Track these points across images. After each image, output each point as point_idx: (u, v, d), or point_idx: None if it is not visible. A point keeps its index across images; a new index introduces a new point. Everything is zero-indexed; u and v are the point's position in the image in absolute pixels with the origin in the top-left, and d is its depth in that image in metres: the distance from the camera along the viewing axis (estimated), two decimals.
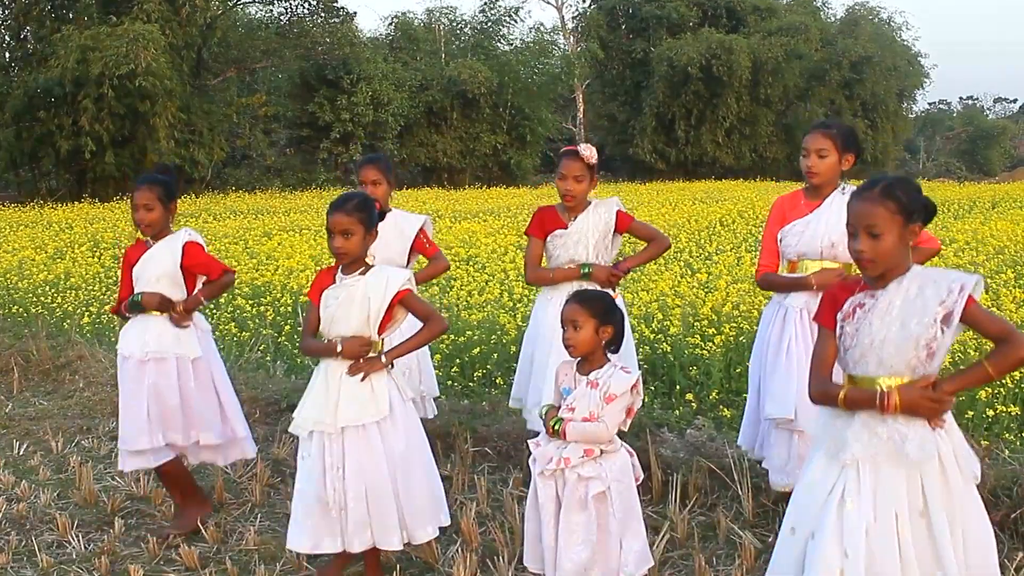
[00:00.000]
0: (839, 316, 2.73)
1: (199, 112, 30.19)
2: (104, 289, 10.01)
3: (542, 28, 42.34)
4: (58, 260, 12.18)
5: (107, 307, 9.06)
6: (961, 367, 5.45)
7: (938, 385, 2.61)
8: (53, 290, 10.00)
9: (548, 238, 4.52)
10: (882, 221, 2.59)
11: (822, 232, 3.96)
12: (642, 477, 3.30)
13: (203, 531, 4.30)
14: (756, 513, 4.29)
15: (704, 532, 4.18)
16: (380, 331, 3.56)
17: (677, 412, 5.59)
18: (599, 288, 4.41)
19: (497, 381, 6.51)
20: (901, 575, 2.56)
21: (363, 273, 3.54)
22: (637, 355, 4.98)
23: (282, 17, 34.37)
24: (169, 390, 4.21)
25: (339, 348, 3.50)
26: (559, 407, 3.26)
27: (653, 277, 9.00)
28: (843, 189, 4.02)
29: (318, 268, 6.80)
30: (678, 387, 6.14)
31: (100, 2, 28.05)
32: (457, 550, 4.01)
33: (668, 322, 6.89)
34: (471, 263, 10.94)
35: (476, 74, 37.01)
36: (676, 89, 42.05)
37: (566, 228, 4.48)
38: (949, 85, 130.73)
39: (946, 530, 2.60)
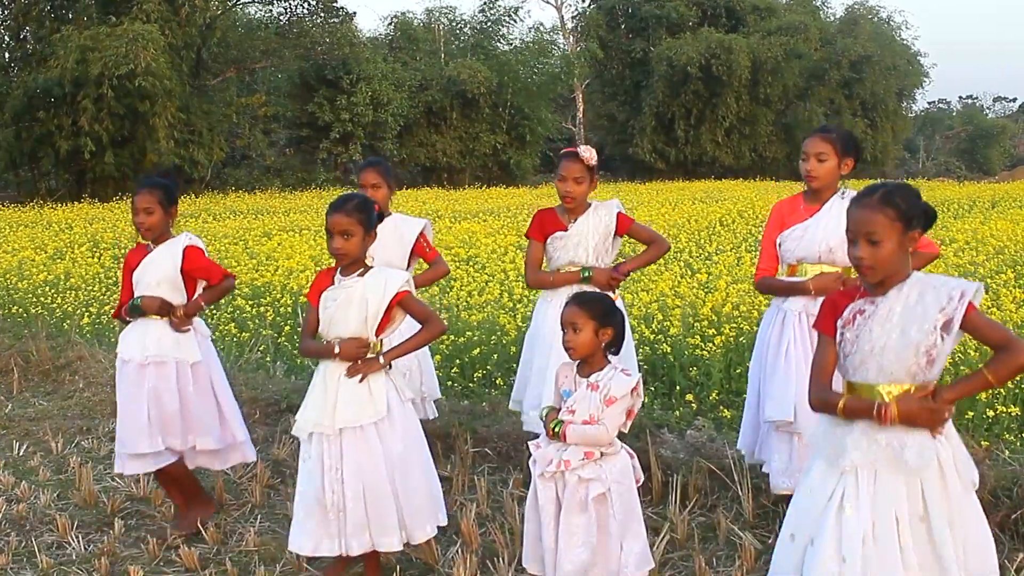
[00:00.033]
0: (839, 323, 2.73)
1: (199, 112, 30.19)
2: (104, 289, 10.01)
3: (541, 28, 42.43)
4: (58, 260, 12.18)
5: (107, 307, 9.07)
6: (962, 367, 5.47)
7: (938, 393, 2.61)
8: (53, 290, 10.00)
9: (548, 240, 4.52)
10: (881, 228, 2.60)
11: (820, 237, 3.97)
12: (642, 479, 3.30)
13: (203, 532, 4.30)
14: (756, 514, 4.29)
15: (704, 533, 4.18)
16: (379, 332, 3.56)
17: (677, 413, 5.59)
18: (599, 290, 4.43)
19: (497, 382, 6.51)
20: None
21: (362, 274, 3.54)
22: (637, 356, 4.98)
23: (281, 17, 34.38)
24: (168, 394, 4.21)
25: (337, 349, 3.51)
26: (559, 409, 3.26)
27: (653, 278, 9.00)
28: (843, 194, 4.03)
29: (318, 269, 6.80)
30: (678, 388, 6.14)
31: (99, 2, 28.06)
32: (457, 551, 4.01)
33: (668, 323, 6.89)
34: (471, 263, 10.93)
35: (476, 74, 37.01)
36: (676, 89, 42.05)
37: (566, 230, 4.48)
38: (949, 84, 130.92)
39: (947, 534, 2.60)
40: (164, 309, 4.21)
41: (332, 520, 3.50)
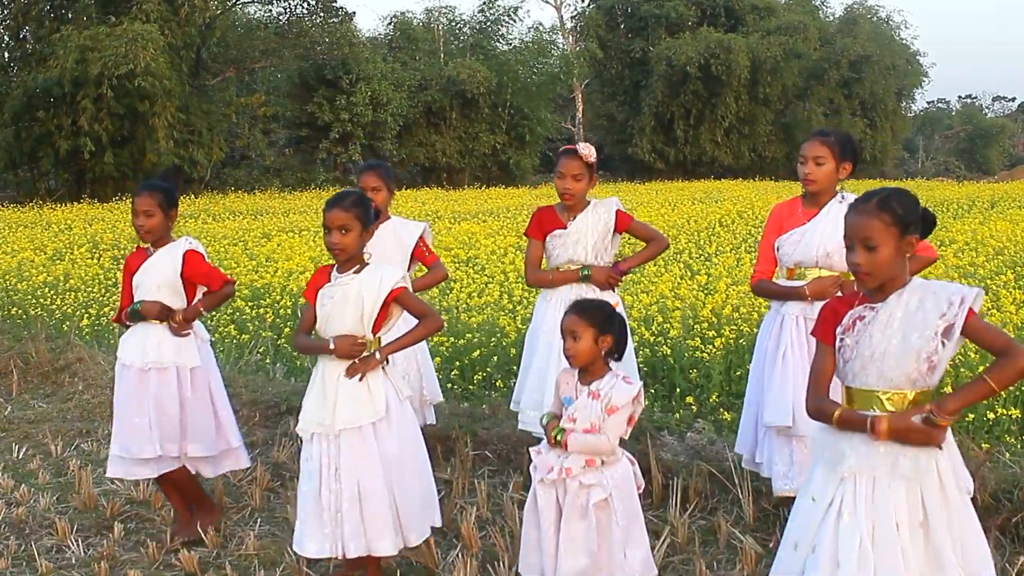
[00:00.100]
0: (839, 329, 2.73)
1: (198, 112, 30.18)
2: (103, 291, 10.00)
3: (541, 28, 42.42)
4: (57, 261, 12.17)
5: (106, 309, 9.07)
6: (962, 370, 5.47)
7: (942, 403, 2.61)
8: (52, 292, 9.99)
9: (547, 238, 4.52)
10: (878, 233, 2.60)
11: (818, 242, 3.97)
12: (643, 486, 3.29)
13: (203, 536, 4.29)
14: (757, 517, 4.29)
15: (705, 536, 4.17)
16: (376, 330, 3.55)
17: (677, 415, 5.58)
18: (598, 288, 4.42)
19: (497, 384, 6.50)
20: None
21: (358, 271, 3.54)
22: (637, 358, 4.97)
23: (281, 17, 34.34)
24: (170, 400, 4.20)
25: (332, 345, 3.51)
26: (560, 416, 3.25)
27: (653, 279, 9.00)
28: (841, 197, 4.02)
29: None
30: (678, 390, 6.14)
31: (99, 2, 28.03)
32: (457, 555, 4.01)
33: (668, 325, 6.88)
34: (470, 265, 10.92)
35: (475, 74, 37.00)
36: (675, 88, 42.05)
37: (565, 228, 4.48)
38: (948, 84, 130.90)
39: (947, 539, 2.60)
40: (164, 314, 4.20)
41: (328, 520, 3.50)
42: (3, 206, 24.83)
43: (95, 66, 25.12)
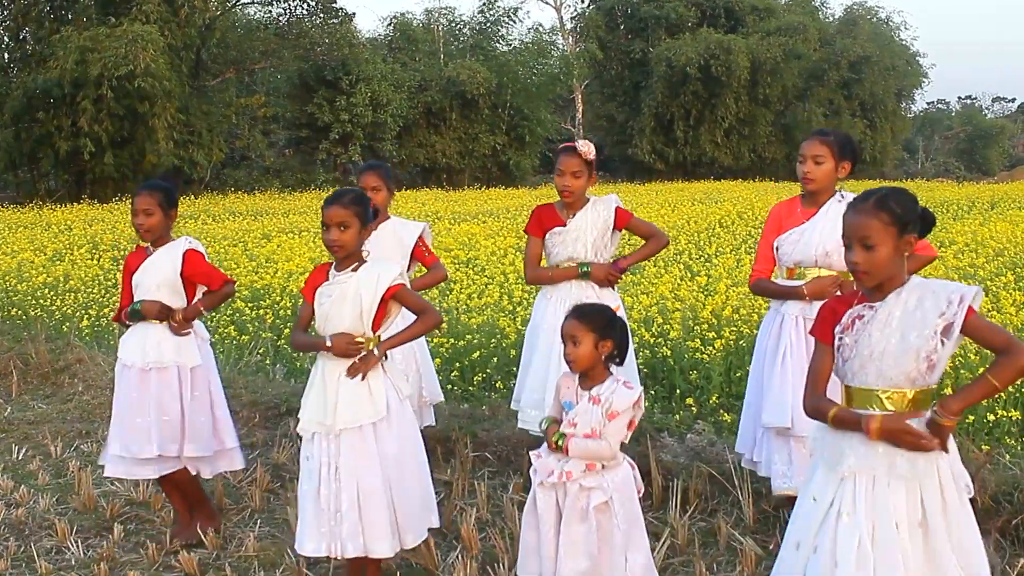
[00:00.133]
0: (838, 329, 2.73)
1: (198, 113, 30.18)
2: (103, 292, 10.00)
3: (541, 28, 42.44)
4: (57, 262, 12.17)
5: (106, 310, 9.06)
6: (962, 371, 5.46)
7: (945, 403, 2.60)
8: (52, 293, 9.98)
9: (547, 236, 4.52)
10: (875, 233, 2.60)
11: (816, 241, 3.97)
12: (643, 490, 3.28)
13: (203, 537, 4.29)
14: (757, 519, 4.29)
15: (705, 538, 4.17)
16: (375, 327, 3.55)
17: (677, 417, 5.58)
18: (597, 285, 4.42)
19: (497, 385, 6.50)
20: None
21: (355, 269, 3.54)
22: (637, 359, 4.97)
23: (281, 18, 34.34)
24: (171, 400, 4.20)
25: (328, 342, 3.51)
26: (560, 421, 3.24)
27: (653, 280, 9.00)
28: (840, 197, 4.02)
29: None
30: (678, 391, 6.13)
31: (99, 3, 28.05)
32: (457, 557, 4.01)
33: (668, 326, 6.87)
34: (470, 266, 10.92)
35: (475, 75, 37.00)
36: (675, 89, 42.05)
37: (565, 226, 4.48)
38: (948, 85, 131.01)
39: (945, 539, 2.61)
40: (164, 313, 4.20)
41: (326, 520, 3.50)
42: (3, 207, 24.83)
43: (95, 67, 25.13)
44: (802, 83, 43.86)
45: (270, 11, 34.63)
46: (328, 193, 3.70)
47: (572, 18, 47.47)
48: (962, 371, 5.49)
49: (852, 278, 2.81)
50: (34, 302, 9.68)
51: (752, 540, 4.02)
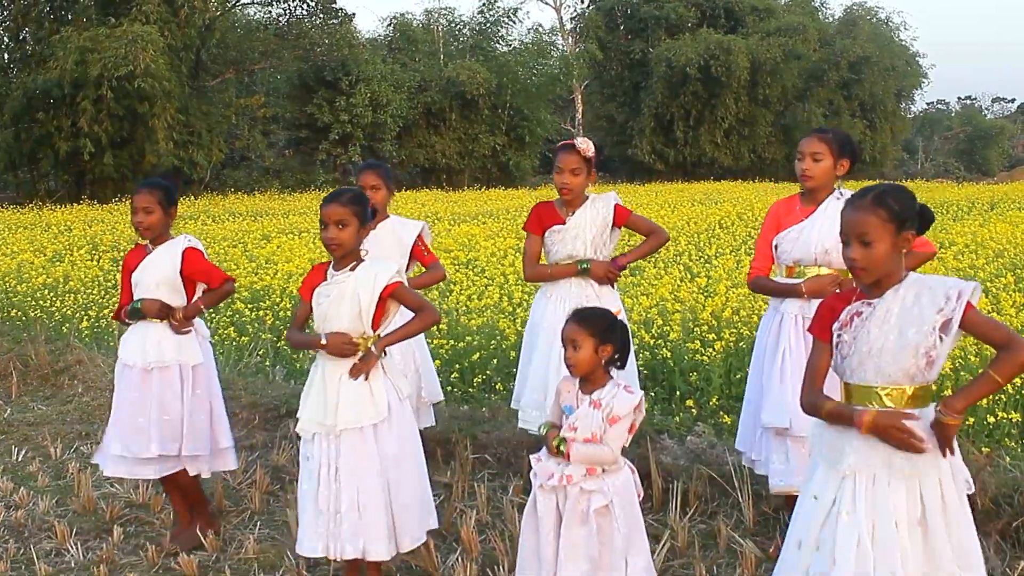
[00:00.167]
0: (836, 326, 2.73)
1: (198, 113, 30.19)
2: (103, 293, 9.99)
3: (540, 29, 42.43)
4: (57, 263, 12.17)
5: (106, 311, 9.06)
6: (962, 372, 5.46)
7: (948, 402, 2.60)
8: (52, 294, 9.98)
9: (546, 234, 4.51)
10: (873, 229, 2.60)
11: (815, 239, 3.96)
12: (642, 494, 3.27)
13: (202, 539, 4.29)
14: (757, 521, 4.29)
15: (705, 540, 4.16)
16: (375, 326, 3.54)
17: (677, 418, 5.58)
18: (597, 282, 4.41)
19: (497, 387, 6.49)
20: None
21: (353, 268, 3.53)
22: (637, 361, 4.95)
23: (281, 18, 34.36)
24: (173, 399, 4.20)
25: (323, 341, 3.50)
26: (560, 426, 3.24)
27: (653, 282, 8.99)
28: (839, 195, 4.01)
29: None
30: (678, 393, 6.13)
31: (99, 3, 28.04)
32: (457, 559, 4.00)
33: (668, 327, 6.87)
34: (470, 267, 10.92)
35: (475, 75, 37.00)
36: (675, 90, 42.06)
37: (564, 223, 4.47)
38: (947, 85, 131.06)
39: (945, 538, 2.61)
40: (164, 312, 4.19)
41: (325, 520, 3.49)
42: (3, 207, 24.83)
43: (95, 67, 25.13)
44: (802, 83, 43.87)
45: (270, 11, 34.69)
46: (328, 193, 3.69)
47: (572, 18, 47.55)
48: (962, 372, 5.49)
49: (851, 276, 2.80)
50: (34, 303, 9.67)
51: (752, 542, 4.02)
